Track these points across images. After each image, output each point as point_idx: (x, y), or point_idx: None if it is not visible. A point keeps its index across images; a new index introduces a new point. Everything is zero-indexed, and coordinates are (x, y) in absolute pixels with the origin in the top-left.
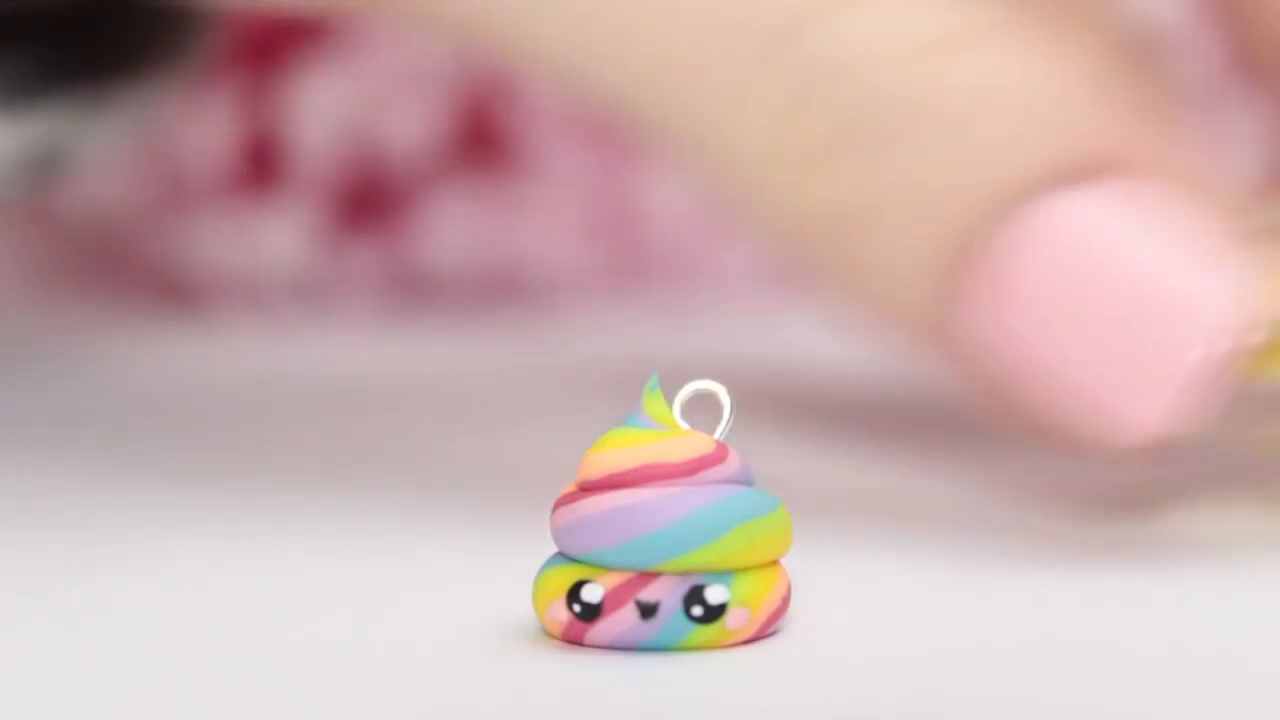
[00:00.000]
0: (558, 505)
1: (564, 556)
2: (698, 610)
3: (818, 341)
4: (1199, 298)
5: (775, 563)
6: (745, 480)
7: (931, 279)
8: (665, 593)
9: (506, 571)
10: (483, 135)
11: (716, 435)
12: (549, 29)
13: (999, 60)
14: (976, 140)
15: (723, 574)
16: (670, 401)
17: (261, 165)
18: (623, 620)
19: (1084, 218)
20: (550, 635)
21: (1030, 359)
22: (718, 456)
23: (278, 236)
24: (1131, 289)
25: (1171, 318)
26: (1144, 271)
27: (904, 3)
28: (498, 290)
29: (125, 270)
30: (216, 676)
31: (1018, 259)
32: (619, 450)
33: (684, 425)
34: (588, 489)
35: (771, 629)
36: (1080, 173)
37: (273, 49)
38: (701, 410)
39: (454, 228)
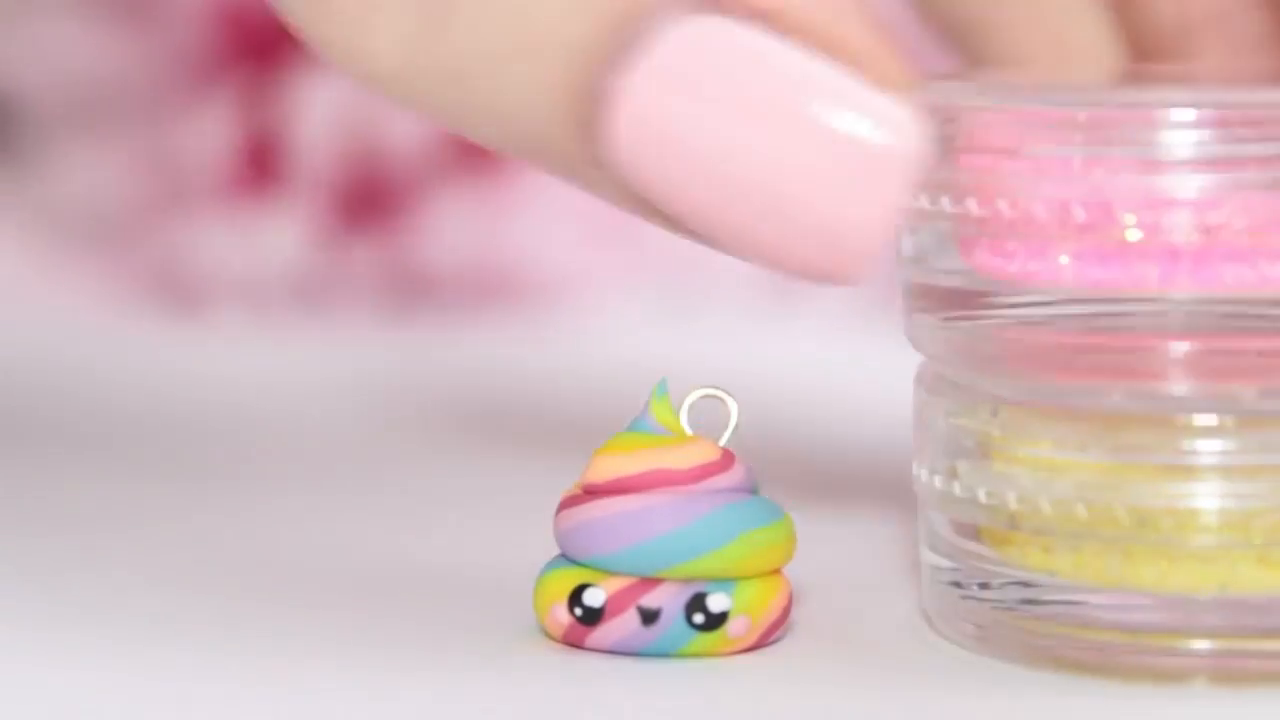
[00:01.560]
0: (561, 507)
1: (566, 559)
2: (699, 617)
3: (818, 344)
4: (870, 114)
5: (777, 572)
6: (749, 488)
7: (569, 119)
8: (667, 599)
9: (508, 572)
10: None
11: (722, 442)
12: None
13: None
14: None
15: (725, 582)
16: (677, 406)
17: (261, 165)
18: (624, 625)
19: (724, 34)
20: (550, 637)
21: (688, 210)
22: (723, 464)
23: (278, 236)
24: (778, 119)
25: (868, 126)
26: (814, 76)
27: None
28: (497, 290)
29: (125, 270)
30: (217, 674)
31: (643, 101)
32: (625, 454)
33: (690, 431)
34: (592, 492)
35: (772, 638)
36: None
37: (273, 49)
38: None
39: (453, 228)
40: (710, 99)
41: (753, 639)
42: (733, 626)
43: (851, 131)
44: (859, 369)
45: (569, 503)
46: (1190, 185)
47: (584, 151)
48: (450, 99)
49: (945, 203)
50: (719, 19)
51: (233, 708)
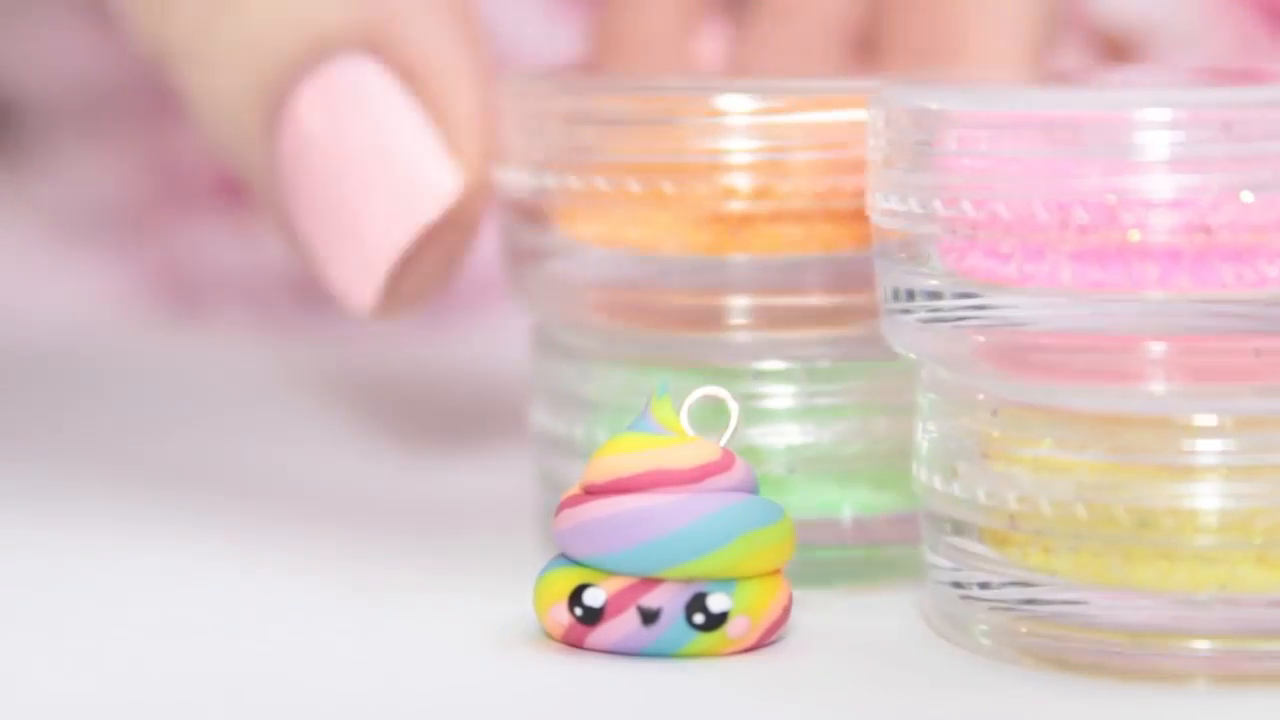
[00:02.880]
0: (562, 507)
1: (566, 559)
2: (699, 618)
3: None
4: (427, 172)
5: (777, 572)
6: (750, 489)
7: (251, 125)
8: (667, 599)
9: (508, 572)
10: None
11: (723, 442)
12: None
13: None
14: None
15: (725, 582)
16: (678, 407)
17: None
18: (624, 625)
19: (356, 83)
20: (551, 637)
21: (301, 215)
22: (724, 464)
23: (278, 236)
24: (372, 157)
25: (399, 189)
26: (387, 142)
27: None
28: (497, 289)
29: (125, 270)
30: (218, 676)
31: (302, 116)
32: (626, 455)
33: (690, 431)
34: (593, 492)
35: (772, 638)
36: (365, 43)
37: None
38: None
39: None
40: (339, 125)
41: (753, 639)
42: (733, 626)
43: (411, 181)
44: None
45: (569, 503)
46: (1189, 185)
47: (256, 152)
48: (175, 76)
49: (937, 206)
50: (370, 63)
51: (233, 708)
